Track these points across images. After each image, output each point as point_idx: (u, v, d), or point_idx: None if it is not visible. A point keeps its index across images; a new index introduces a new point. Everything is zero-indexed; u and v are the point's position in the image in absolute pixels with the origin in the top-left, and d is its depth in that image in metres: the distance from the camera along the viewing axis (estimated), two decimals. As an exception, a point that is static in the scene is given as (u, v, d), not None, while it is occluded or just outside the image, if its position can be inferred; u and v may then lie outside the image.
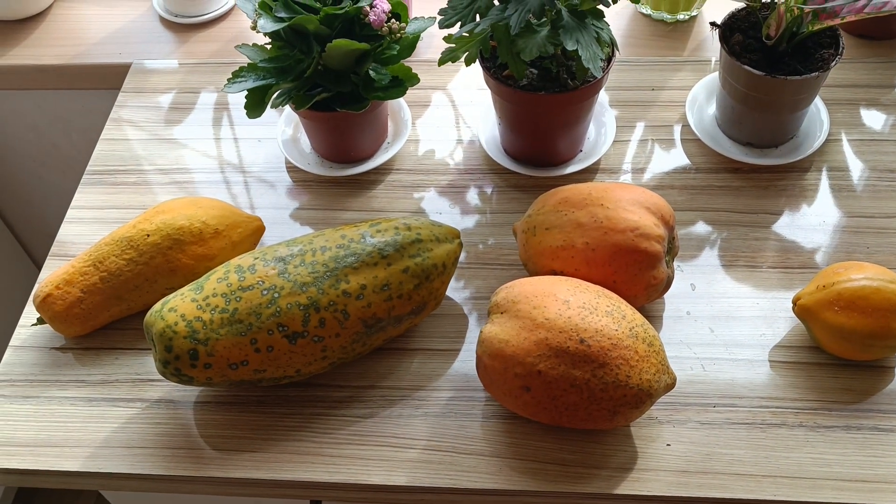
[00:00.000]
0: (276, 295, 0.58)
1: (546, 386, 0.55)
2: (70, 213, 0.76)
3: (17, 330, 0.69)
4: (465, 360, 0.64)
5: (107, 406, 0.63)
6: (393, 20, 0.67)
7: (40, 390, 0.65)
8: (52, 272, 0.68)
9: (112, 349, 0.67)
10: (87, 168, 0.80)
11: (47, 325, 0.67)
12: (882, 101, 0.80)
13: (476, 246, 0.71)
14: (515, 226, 0.67)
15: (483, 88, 0.83)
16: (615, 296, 0.58)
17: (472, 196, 0.75)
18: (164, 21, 0.94)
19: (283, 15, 0.64)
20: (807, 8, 0.65)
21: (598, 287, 0.58)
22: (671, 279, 0.63)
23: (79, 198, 0.77)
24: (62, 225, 0.75)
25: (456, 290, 0.69)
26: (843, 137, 0.77)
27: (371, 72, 0.69)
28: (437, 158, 0.78)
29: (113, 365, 0.66)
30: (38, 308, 0.65)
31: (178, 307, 0.58)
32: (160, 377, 0.64)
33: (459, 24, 0.63)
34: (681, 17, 0.89)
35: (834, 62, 0.68)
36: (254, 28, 0.66)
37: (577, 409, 0.55)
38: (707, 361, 0.63)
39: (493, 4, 0.63)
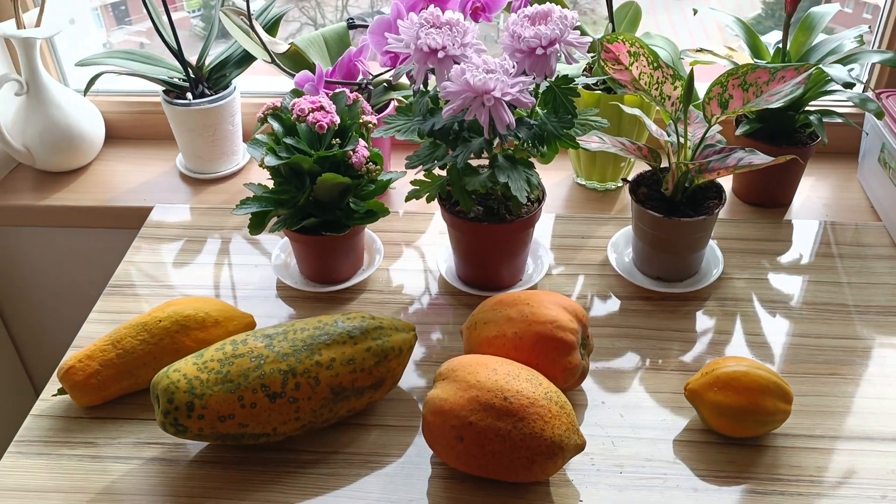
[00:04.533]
0: (261, 362, 0.72)
1: (476, 435, 0.67)
2: (91, 315, 0.91)
3: (37, 403, 0.81)
4: (413, 435, 0.77)
5: (109, 462, 0.75)
6: (370, 163, 0.85)
7: (52, 449, 0.76)
8: (70, 355, 0.81)
9: (118, 418, 0.79)
10: (109, 283, 0.95)
11: (67, 396, 0.79)
12: (767, 251, 0.97)
13: (434, 349, 0.85)
14: (462, 327, 0.82)
15: (443, 232, 1.00)
16: (536, 371, 0.72)
17: (431, 311, 0.90)
18: (183, 176, 1.14)
19: (284, 155, 0.83)
20: (691, 164, 0.84)
21: (522, 364, 0.72)
22: (586, 370, 0.77)
23: (100, 304, 0.92)
24: (83, 325, 0.90)
25: (411, 384, 0.82)
26: (735, 276, 0.94)
27: (351, 204, 0.87)
28: (403, 282, 0.94)
29: (118, 431, 0.77)
30: (61, 379, 0.78)
31: (181, 368, 0.71)
32: (158, 441, 0.76)
33: (421, 165, 0.82)
34: (610, 186, 1.09)
35: (718, 209, 0.86)
36: (261, 165, 0.84)
37: (501, 457, 0.67)
38: (617, 439, 0.76)
39: (448, 154, 0.82)
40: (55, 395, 0.80)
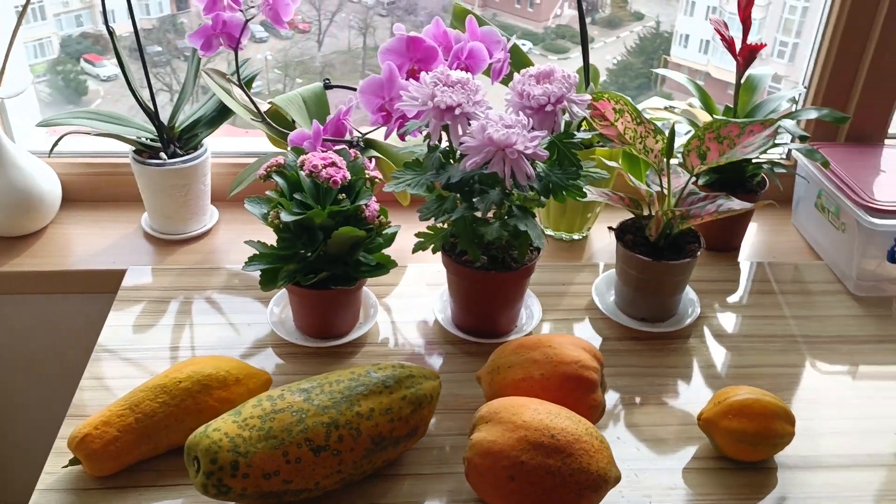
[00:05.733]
0: (303, 416, 0.71)
1: (528, 474, 0.69)
2: (83, 382, 0.87)
3: (42, 476, 0.76)
4: (446, 481, 0.78)
5: (137, 532, 0.72)
6: (380, 216, 0.87)
7: (71, 523, 0.72)
8: (80, 423, 0.78)
9: (137, 486, 0.76)
10: (95, 348, 0.91)
11: (78, 466, 0.75)
12: (730, 290, 1.06)
13: (443, 396, 0.87)
14: (479, 373, 0.84)
15: (432, 284, 1.03)
16: (569, 409, 0.75)
17: (434, 360, 0.92)
18: (149, 237, 1.11)
19: (297, 210, 0.84)
20: (678, 211, 0.91)
21: (555, 404, 0.75)
22: (605, 407, 0.81)
23: (90, 371, 0.88)
24: (76, 392, 0.86)
25: (430, 434, 0.83)
26: (709, 314, 1.01)
27: (361, 257, 0.88)
28: (402, 334, 0.96)
29: (138, 499, 0.74)
30: (75, 448, 0.74)
31: (221, 428, 0.70)
32: (184, 506, 0.74)
33: (433, 217, 0.84)
34: (576, 236, 1.15)
35: (699, 252, 0.93)
36: (269, 222, 0.84)
37: (552, 493, 0.69)
38: (639, 471, 0.80)
39: (456, 206, 0.85)
40: (66, 466, 0.76)
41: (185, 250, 1.10)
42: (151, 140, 1.07)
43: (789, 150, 1.23)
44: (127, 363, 0.90)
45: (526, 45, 1.53)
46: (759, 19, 1.43)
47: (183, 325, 0.96)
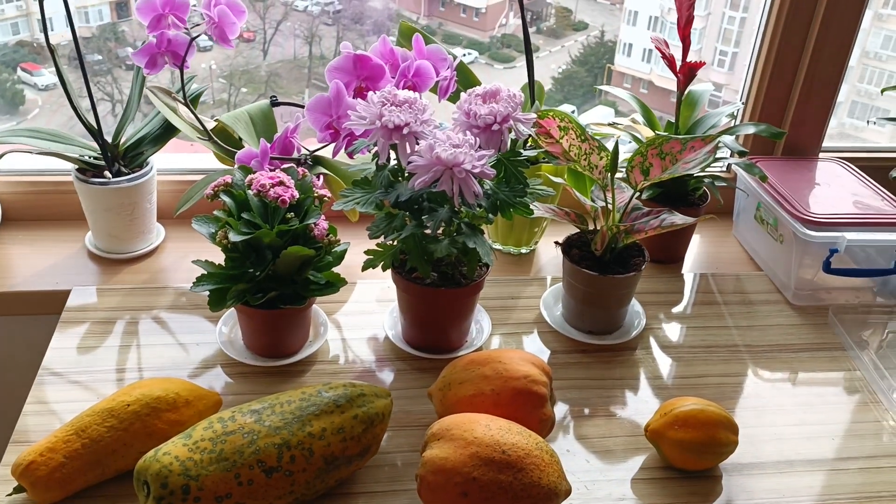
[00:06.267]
0: (255, 437, 0.71)
1: (480, 489, 0.70)
2: (27, 407, 0.85)
3: (-14, 506, 0.75)
4: (399, 499, 0.78)
5: (85, 560, 0.70)
6: (330, 235, 0.87)
7: (16, 553, 0.71)
8: (24, 450, 0.76)
9: (84, 513, 0.74)
10: (39, 371, 0.89)
11: (23, 494, 0.74)
12: (674, 301, 1.08)
13: (395, 413, 0.87)
14: (430, 390, 0.85)
15: (383, 300, 1.03)
16: (520, 424, 0.76)
17: (385, 376, 0.92)
18: (94, 257, 1.09)
19: (245, 230, 0.83)
20: (622, 226, 0.92)
21: (506, 419, 0.76)
22: (554, 420, 0.82)
23: (34, 395, 0.86)
24: (20, 418, 0.84)
25: (382, 451, 0.83)
26: (654, 326, 1.03)
27: (310, 276, 0.88)
28: (352, 351, 0.96)
29: (86, 526, 0.73)
30: (20, 476, 0.73)
31: (171, 451, 0.69)
32: (134, 532, 0.73)
33: (383, 235, 0.85)
34: (523, 250, 1.17)
35: (643, 266, 0.95)
36: (218, 242, 0.84)
37: (504, 508, 0.70)
38: (589, 483, 0.81)
39: (405, 224, 0.86)
40: (10, 495, 0.74)
41: (130, 270, 1.08)
42: (95, 158, 1.05)
43: (729, 164, 1.27)
44: (73, 386, 0.88)
45: (472, 55, 1.55)
46: (700, 29, 1.47)
47: (130, 346, 0.95)
